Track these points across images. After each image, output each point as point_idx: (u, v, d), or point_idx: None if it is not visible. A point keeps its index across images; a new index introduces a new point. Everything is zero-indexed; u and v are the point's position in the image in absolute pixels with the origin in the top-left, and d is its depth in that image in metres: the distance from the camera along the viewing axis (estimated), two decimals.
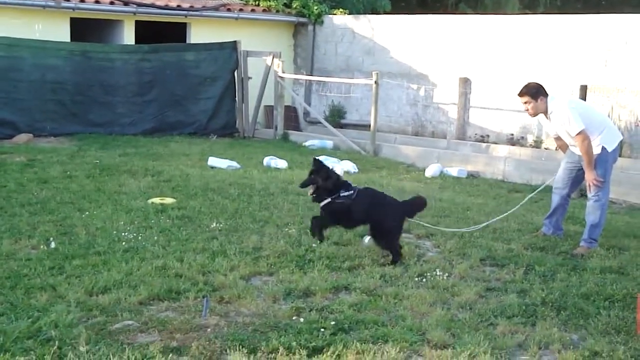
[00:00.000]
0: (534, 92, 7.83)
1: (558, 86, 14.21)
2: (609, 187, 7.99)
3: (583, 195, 8.74)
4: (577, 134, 7.66)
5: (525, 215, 9.48)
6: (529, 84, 7.96)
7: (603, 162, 7.82)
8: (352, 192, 7.26)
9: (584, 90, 12.11)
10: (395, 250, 7.10)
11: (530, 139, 15.28)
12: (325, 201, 7.28)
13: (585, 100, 11.78)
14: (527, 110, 7.92)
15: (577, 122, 7.63)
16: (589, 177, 7.77)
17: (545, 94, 7.84)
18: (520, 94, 7.90)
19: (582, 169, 7.95)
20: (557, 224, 8.35)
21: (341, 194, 7.23)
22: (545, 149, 14.57)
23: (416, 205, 7.51)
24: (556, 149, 8.50)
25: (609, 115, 13.54)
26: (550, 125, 8.01)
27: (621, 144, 8.76)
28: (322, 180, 7.29)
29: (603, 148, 7.79)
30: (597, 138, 7.76)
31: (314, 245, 7.34)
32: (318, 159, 7.60)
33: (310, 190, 7.38)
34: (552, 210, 8.33)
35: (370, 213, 7.17)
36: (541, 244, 7.92)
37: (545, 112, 7.87)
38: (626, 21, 14.15)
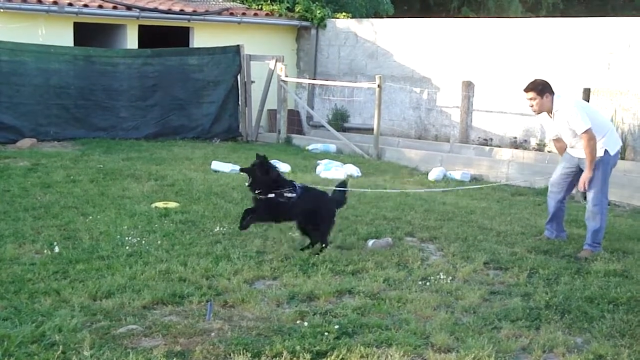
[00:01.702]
0: (540, 88, 7.81)
1: (561, 89, 14.22)
2: (608, 190, 7.98)
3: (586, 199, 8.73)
4: (584, 132, 7.61)
5: (528, 219, 9.48)
6: (536, 80, 7.94)
7: (604, 165, 7.81)
8: (294, 194, 7.38)
9: (587, 93, 12.12)
10: (327, 242, 7.43)
11: (534, 142, 15.27)
12: (269, 195, 7.33)
13: (588, 102, 11.77)
14: (532, 106, 7.88)
15: (584, 120, 7.61)
16: (586, 176, 7.73)
17: (552, 92, 7.82)
18: (526, 89, 7.87)
19: (578, 173, 7.93)
20: (558, 227, 8.34)
21: (285, 194, 7.34)
22: (549, 151, 14.54)
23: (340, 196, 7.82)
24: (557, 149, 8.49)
25: (612, 118, 13.56)
26: (553, 124, 7.96)
27: (621, 149, 8.76)
28: (261, 174, 7.40)
29: (606, 151, 7.78)
30: (601, 141, 7.75)
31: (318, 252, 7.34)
32: (263, 156, 7.60)
33: (248, 180, 7.50)
34: (551, 215, 8.32)
35: (309, 213, 7.39)
36: (545, 248, 7.91)
37: (550, 111, 7.85)
38: (629, 24, 14.15)
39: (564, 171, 8.15)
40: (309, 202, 7.46)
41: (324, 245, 7.39)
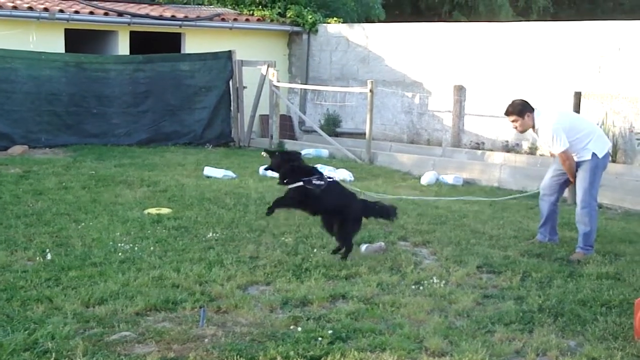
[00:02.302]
0: (520, 109, 7.94)
1: (552, 93, 14.29)
2: (597, 193, 8.02)
3: None
4: (561, 153, 7.79)
5: (521, 222, 9.50)
6: (514, 102, 8.05)
7: (593, 167, 7.86)
8: (323, 182, 7.25)
9: (578, 97, 12.16)
10: (350, 245, 7.30)
11: (526, 145, 15.32)
12: (298, 183, 7.21)
13: (579, 106, 11.81)
14: (515, 127, 8.06)
15: (559, 141, 7.75)
16: (572, 183, 8.07)
17: (532, 110, 7.93)
18: (507, 113, 8.02)
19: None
20: (552, 230, 8.37)
21: (313, 181, 7.22)
22: (541, 155, 14.58)
23: (381, 211, 7.62)
24: (551, 155, 8.56)
25: (603, 122, 13.61)
26: (537, 138, 8.13)
27: (611, 150, 8.84)
28: (290, 162, 7.37)
29: (593, 154, 7.84)
30: (588, 145, 7.82)
31: (316, 251, 7.34)
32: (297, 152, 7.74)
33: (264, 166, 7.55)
34: (544, 219, 8.35)
35: (335, 209, 7.29)
36: (537, 251, 7.93)
37: (533, 127, 7.95)
38: (619, 28, 14.20)
39: (555, 174, 8.22)
40: (336, 196, 7.34)
41: (347, 248, 7.30)
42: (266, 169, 8.01)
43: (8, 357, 4.67)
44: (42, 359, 4.66)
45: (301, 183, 7.17)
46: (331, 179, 7.50)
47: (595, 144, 7.86)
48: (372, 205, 7.66)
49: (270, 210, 7.40)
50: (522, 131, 8.08)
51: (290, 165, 7.34)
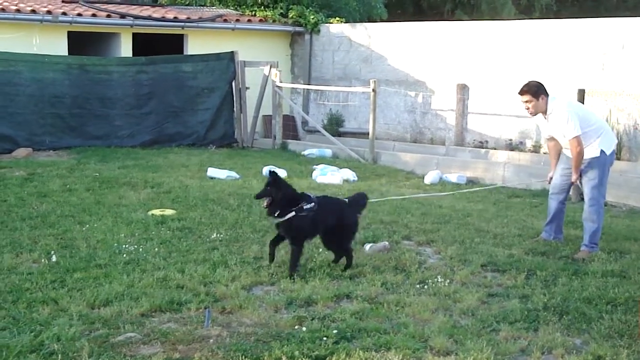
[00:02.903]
0: (535, 90, 7.83)
1: (556, 90, 14.24)
2: (605, 190, 8.01)
3: (583, 199, 8.74)
4: (573, 138, 7.70)
5: (525, 220, 9.49)
6: (530, 82, 7.96)
7: (601, 165, 7.84)
8: (313, 204, 6.87)
9: (582, 94, 12.14)
10: (352, 255, 7.11)
11: (529, 144, 15.29)
12: (289, 215, 6.78)
13: (583, 104, 11.79)
14: (528, 109, 7.92)
15: (575, 126, 7.66)
16: (574, 178, 7.95)
17: (547, 93, 7.85)
18: (522, 92, 7.89)
19: None
20: (557, 229, 8.36)
21: (304, 207, 6.83)
22: (544, 153, 14.56)
23: (359, 201, 7.45)
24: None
25: (607, 119, 13.58)
26: (547, 125, 8.01)
27: (617, 147, 8.80)
28: (277, 193, 6.82)
29: (602, 151, 7.82)
30: (596, 141, 7.79)
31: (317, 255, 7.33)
32: (274, 172, 7.14)
33: (265, 202, 6.88)
34: (551, 216, 8.34)
35: (331, 220, 6.99)
36: (542, 249, 7.92)
37: (545, 112, 7.87)
38: (622, 25, 14.18)
39: (563, 172, 8.17)
40: (329, 212, 6.99)
41: (350, 257, 7.08)
42: (268, 211, 7.06)
43: (15, 358, 4.69)
44: None
45: (293, 213, 6.78)
46: (317, 197, 7.13)
47: (603, 141, 7.85)
48: (359, 200, 7.46)
49: (292, 277, 6.70)
50: (534, 113, 7.94)
51: (279, 196, 6.84)
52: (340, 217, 7.07)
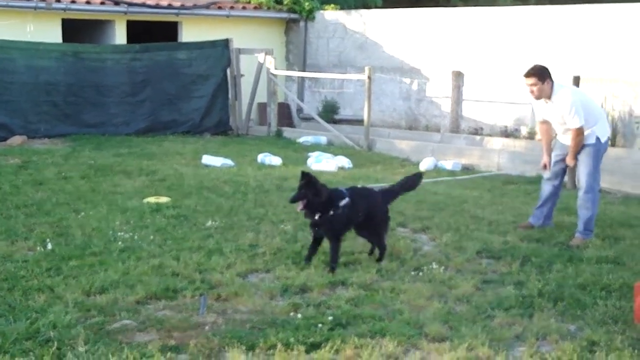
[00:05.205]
0: (541, 73, 7.81)
1: (551, 77, 14.23)
2: (600, 177, 8.03)
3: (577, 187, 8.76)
4: (576, 128, 7.72)
5: (520, 207, 9.51)
6: (536, 65, 7.93)
7: (596, 152, 7.87)
8: (347, 199, 6.77)
9: (577, 81, 12.13)
10: (385, 245, 7.03)
11: (524, 130, 15.29)
12: (329, 215, 6.67)
13: None
14: (532, 92, 7.86)
15: (579, 116, 7.67)
16: (569, 161, 7.97)
17: (551, 78, 7.84)
18: (527, 75, 7.84)
19: None
20: (548, 214, 8.37)
21: (340, 205, 6.72)
22: (539, 140, 14.55)
23: (405, 185, 7.40)
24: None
25: (602, 106, 13.57)
26: (547, 109, 7.96)
27: (612, 134, 8.82)
28: (312, 195, 6.65)
29: (597, 138, 7.84)
30: (592, 128, 7.80)
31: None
32: (307, 173, 6.91)
33: (300, 205, 6.73)
34: (543, 200, 8.35)
35: (364, 220, 6.91)
36: (537, 236, 7.94)
37: (548, 97, 7.84)
38: (618, 11, 14.16)
39: (557, 159, 8.20)
40: (360, 204, 6.85)
41: (383, 248, 7.01)
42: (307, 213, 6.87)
43: (10, 346, 4.69)
44: (44, 348, 4.67)
45: (331, 213, 6.66)
46: (347, 189, 7.00)
47: (599, 128, 7.87)
48: (392, 190, 7.37)
49: (333, 270, 6.55)
50: (538, 97, 7.87)
51: (315, 197, 6.66)
52: (371, 206, 6.94)
